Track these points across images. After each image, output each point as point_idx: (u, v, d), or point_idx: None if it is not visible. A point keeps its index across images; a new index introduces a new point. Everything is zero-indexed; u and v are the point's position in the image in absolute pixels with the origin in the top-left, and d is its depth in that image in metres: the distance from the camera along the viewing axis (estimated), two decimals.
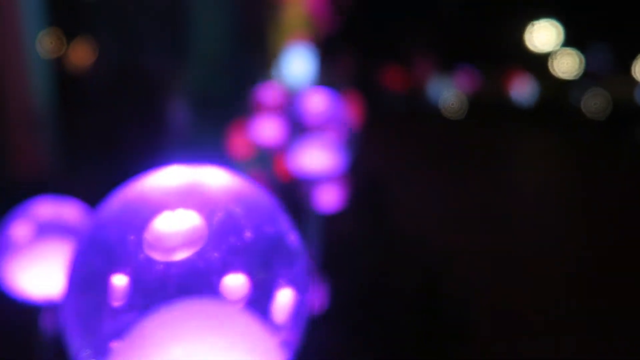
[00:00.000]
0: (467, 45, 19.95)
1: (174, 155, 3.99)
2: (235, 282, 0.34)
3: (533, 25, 19.69)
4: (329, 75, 19.87)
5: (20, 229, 0.92)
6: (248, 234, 0.36)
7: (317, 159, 1.28)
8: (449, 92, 21.47)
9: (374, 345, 1.82)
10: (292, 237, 0.39)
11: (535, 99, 20.77)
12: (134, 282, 0.33)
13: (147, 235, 0.33)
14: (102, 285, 0.34)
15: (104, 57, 6.51)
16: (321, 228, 2.07)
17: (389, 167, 7.73)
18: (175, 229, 0.33)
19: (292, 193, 1.90)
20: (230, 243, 0.35)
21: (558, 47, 19.76)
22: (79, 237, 0.90)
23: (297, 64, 12.38)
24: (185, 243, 0.33)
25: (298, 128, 1.33)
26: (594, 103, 18.49)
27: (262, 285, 0.35)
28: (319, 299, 1.58)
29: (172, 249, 0.32)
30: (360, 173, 4.46)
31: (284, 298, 0.37)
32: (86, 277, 0.36)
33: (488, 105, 20.83)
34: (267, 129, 1.91)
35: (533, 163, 10.52)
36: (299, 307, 0.38)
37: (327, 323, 1.58)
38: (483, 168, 8.49)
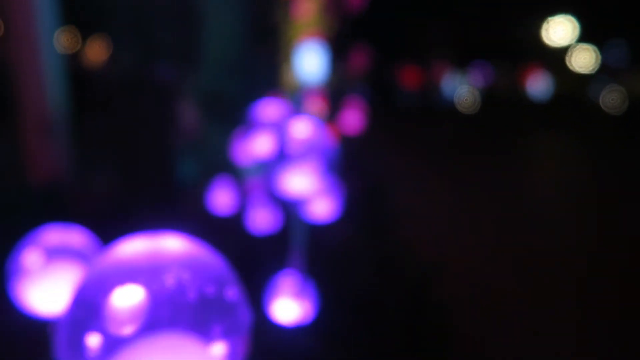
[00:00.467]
0: (482, 41, 19.85)
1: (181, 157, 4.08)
2: (179, 336, 0.46)
3: (549, 21, 19.53)
4: (342, 72, 19.89)
5: (30, 253, 1.06)
6: (191, 295, 0.48)
7: (301, 183, 1.39)
8: (463, 88, 21.46)
9: (363, 356, 1.90)
10: (231, 293, 0.51)
11: (551, 94, 20.67)
12: (102, 332, 0.46)
13: (104, 310, 0.46)
14: (81, 334, 0.46)
15: (118, 55, 6.62)
16: (313, 238, 2.18)
17: (396, 167, 7.64)
18: (122, 307, 0.45)
19: (285, 204, 2.01)
20: (175, 303, 0.46)
21: (574, 42, 19.59)
22: (83, 265, 1.03)
23: (310, 61, 12.45)
24: (130, 320, 0.45)
25: (281, 153, 1.43)
26: (610, 98, 18.37)
27: (201, 337, 0.47)
28: (308, 308, 1.69)
29: (120, 324, 0.44)
30: (363, 177, 4.49)
31: (220, 348, 0.48)
32: (71, 327, 0.48)
33: (503, 100, 20.82)
34: (262, 144, 2.03)
35: (547, 159, 10.30)
36: (234, 355, 0.49)
37: (317, 333, 1.69)
38: (494, 164, 8.43)
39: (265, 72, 7.29)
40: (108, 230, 3.19)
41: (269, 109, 2.18)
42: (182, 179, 3.99)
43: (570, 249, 4.28)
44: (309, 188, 1.40)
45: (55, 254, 1.04)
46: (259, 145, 2.07)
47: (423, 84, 21.58)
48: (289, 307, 1.64)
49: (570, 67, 20.12)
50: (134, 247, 0.51)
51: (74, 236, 1.07)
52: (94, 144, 4.64)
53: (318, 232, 2.17)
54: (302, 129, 1.52)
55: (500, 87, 21.77)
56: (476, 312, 2.81)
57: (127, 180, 3.80)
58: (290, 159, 1.38)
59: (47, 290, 1.03)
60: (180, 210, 3.29)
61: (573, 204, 6.09)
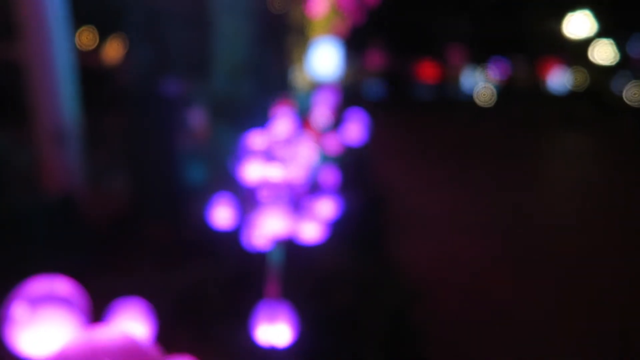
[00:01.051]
0: (499, 35, 19.68)
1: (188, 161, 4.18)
2: None
3: (568, 15, 19.29)
4: (358, 68, 19.81)
5: (20, 303, 1.18)
6: None
7: (275, 226, 1.48)
8: (481, 82, 21.43)
9: None
10: None
11: (572, 87, 20.51)
12: None
13: None
14: None
15: (131, 61, 6.72)
16: (300, 260, 2.27)
17: (404, 170, 7.48)
18: None
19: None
20: None
21: (593, 36, 19.34)
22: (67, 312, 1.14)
23: (325, 59, 12.48)
24: None
25: (250, 201, 1.49)
26: (633, 92, 18.19)
27: None
28: (289, 331, 1.78)
29: None
30: (366, 186, 4.48)
31: None
32: None
33: (521, 93, 20.71)
34: (252, 170, 2.11)
35: (565, 155, 9.93)
36: None
37: (298, 356, 1.78)
38: (509, 163, 8.23)
39: (277, 74, 7.35)
40: (116, 240, 3.27)
41: (259, 137, 2.27)
42: (191, 185, 4.08)
43: (590, 259, 3.92)
44: (282, 230, 1.50)
45: (41, 303, 1.17)
46: (250, 172, 2.17)
47: (441, 77, 21.55)
48: (270, 330, 1.74)
49: (592, 60, 19.86)
50: (71, 348, 0.62)
51: (58, 286, 1.19)
52: (104, 148, 4.76)
53: (305, 254, 2.25)
54: (276, 171, 1.61)
55: (519, 80, 21.68)
56: (469, 332, 2.72)
57: (136, 187, 3.89)
58: (263, 204, 1.48)
59: (35, 337, 1.16)
60: (184, 220, 3.40)
61: (592, 206, 5.75)
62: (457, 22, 20.09)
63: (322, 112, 5.21)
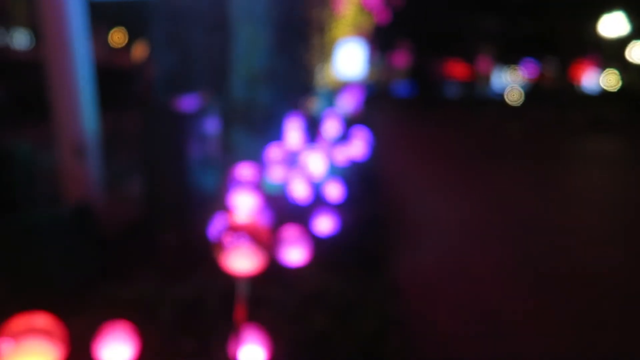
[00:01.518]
0: (531, 36, 19.46)
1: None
2: None
3: (601, 16, 18.91)
4: (384, 67, 19.77)
5: (4, 339, 1.36)
6: None
7: (242, 264, 1.61)
8: (510, 81, 21.30)
9: None
10: None
11: (604, 88, 20.18)
12: None
13: None
14: None
15: (156, 62, 6.91)
16: (281, 283, 2.39)
17: (419, 176, 7.31)
18: None
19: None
20: None
21: (628, 36, 18.93)
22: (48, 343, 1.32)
23: (350, 58, 12.57)
24: None
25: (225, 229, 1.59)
26: None
27: None
28: (260, 351, 1.91)
29: None
30: (373, 199, 4.46)
31: None
32: None
33: (551, 94, 20.44)
34: (242, 203, 2.24)
35: (594, 161, 9.42)
36: None
37: None
38: (536, 166, 7.90)
39: (297, 81, 7.42)
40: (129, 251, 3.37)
41: (248, 170, 2.37)
42: (204, 194, 4.20)
43: (617, 278, 3.55)
44: (251, 267, 1.63)
45: (23, 338, 1.34)
46: (237, 202, 2.29)
47: (470, 76, 21.47)
48: (241, 353, 1.87)
49: (629, 60, 19.45)
50: None
51: (39, 320, 1.37)
52: (122, 150, 4.90)
53: (287, 276, 2.36)
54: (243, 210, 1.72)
55: (549, 80, 21.47)
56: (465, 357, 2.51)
57: (150, 195, 4.01)
58: (231, 242, 1.60)
59: None
60: (194, 230, 3.51)
61: (621, 219, 5.20)
62: (488, 22, 19.92)
63: (334, 122, 5.30)
